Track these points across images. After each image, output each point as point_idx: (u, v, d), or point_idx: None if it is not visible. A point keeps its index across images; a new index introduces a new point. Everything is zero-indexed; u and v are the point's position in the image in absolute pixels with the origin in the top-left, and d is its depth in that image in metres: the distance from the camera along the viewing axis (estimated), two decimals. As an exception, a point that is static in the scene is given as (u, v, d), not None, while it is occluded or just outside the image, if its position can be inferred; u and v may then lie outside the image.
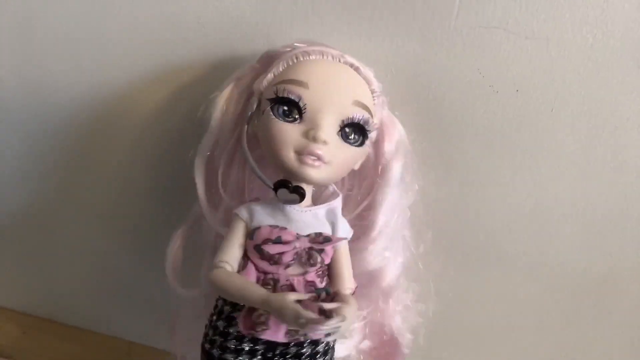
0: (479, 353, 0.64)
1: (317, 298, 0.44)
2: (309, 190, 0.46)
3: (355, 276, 0.49)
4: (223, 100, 0.49)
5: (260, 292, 0.42)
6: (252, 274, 0.45)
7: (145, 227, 0.67)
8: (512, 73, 0.52)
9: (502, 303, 0.62)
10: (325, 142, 0.43)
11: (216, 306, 0.48)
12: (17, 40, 0.60)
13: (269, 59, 0.49)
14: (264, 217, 0.45)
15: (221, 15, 0.54)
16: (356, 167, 0.49)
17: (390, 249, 0.52)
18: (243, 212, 0.46)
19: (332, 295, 0.47)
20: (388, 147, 0.50)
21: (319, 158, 0.43)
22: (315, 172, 0.43)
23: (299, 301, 0.41)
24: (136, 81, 0.59)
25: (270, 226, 0.45)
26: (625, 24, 0.49)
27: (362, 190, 0.52)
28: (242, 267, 0.46)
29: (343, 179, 0.51)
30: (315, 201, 0.48)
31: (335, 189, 0.50)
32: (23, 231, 0.73)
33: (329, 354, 0.49)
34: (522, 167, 0.56)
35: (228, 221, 0.49)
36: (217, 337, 0.46)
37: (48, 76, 0.61)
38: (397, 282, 0.53)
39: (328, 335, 0.40)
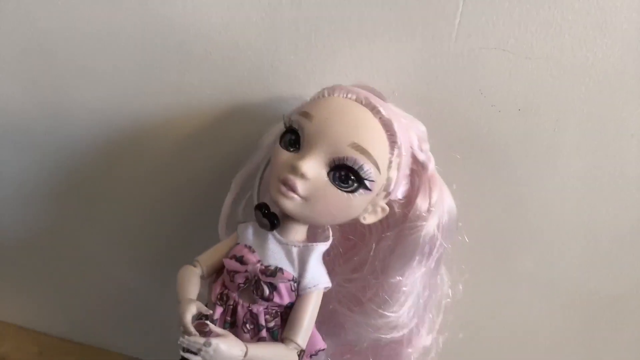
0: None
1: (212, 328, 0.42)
2: (300, 228, 0.45)
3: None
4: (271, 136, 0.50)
5: (183, 294, 0.44)
6: (218, 285, 0.47)
7: (159, 248, 0.69)
8: (514, 93, 0.52)
9: (511, 322, 0.61)
10: (303, 175, 0.41)
11: None
12: (37, 65, 0.63)
13: None
14: (248, 236, 0.47)
15: (226, 43, 0.56)
16: (364, 220, 0.45)
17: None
18: (241, 227, 0.48)
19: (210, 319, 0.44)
20: (421, 204, 0.46)
21: (292, 190, 0.41)
22: (289, 203, 0.42)
23: (205, 316, 0.42)
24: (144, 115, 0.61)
25: (245, 245, 0.46)
26: (625, 42, 0.49)
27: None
28: (216, 278, 0.47)
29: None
30: (308, 240, 0.47)
31: (329, 233, 0.47)
32: (40, 253, 0.74)
33: None
34: (527, 186, 0.56)
35: None
36: None
37: (67, 100, 0.63)
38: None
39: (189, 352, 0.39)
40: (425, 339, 0.52)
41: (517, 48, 0.51)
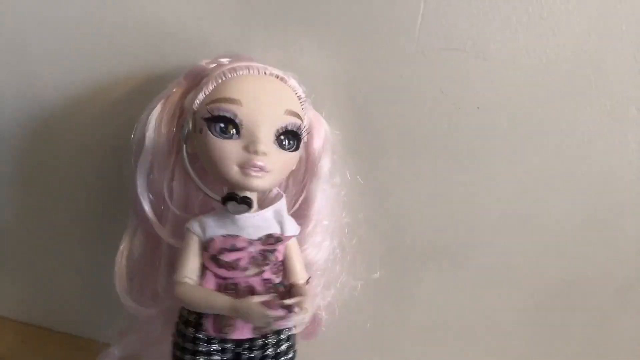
0: (441, 356, 0.67)
1: (277, 295, 0.47)
2: (254, 197, 0.49)
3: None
4: (154, 120, 0.51)
5: (225, 300, 0.46)
6: (211, 281, 0.48)
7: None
8: (473, 91, 0.55)
9: (467, 307, 0.64)
10: (264, 154, 0.46)
11: (181, 316, 0.51)
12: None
13: (195, 76, 0.51)
14: (215, 228, 0.48)
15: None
16: (294, 167, 0.52)
17: (326, 241, 0.57)
18: (195, 227, 0.49)
19: (288, 287, 0.51)
20: (316, 144, 0.54)
21: (261, 169, 0.46)
22: (259, 181, 0.46)
23: (263, 302, 0.45)
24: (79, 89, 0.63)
25: (223, 236, 0.48)
26: (576, 44, 0.52)
27: (295, 187, 0.55)
28: (202, 277, 0.49)
29: None
30: (262, 204, 0.51)
31: (279, 190, 0.53)
32: (20, 242, 0.75)
33: (291, 340, 0.53)
34: (487, 179, 0.59)
35: (176, 232, 0.52)
36: (187, 344, 0.49)
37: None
38: (324, 266, 0.58)
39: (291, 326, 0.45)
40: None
41: (476, 49, 0.53)
